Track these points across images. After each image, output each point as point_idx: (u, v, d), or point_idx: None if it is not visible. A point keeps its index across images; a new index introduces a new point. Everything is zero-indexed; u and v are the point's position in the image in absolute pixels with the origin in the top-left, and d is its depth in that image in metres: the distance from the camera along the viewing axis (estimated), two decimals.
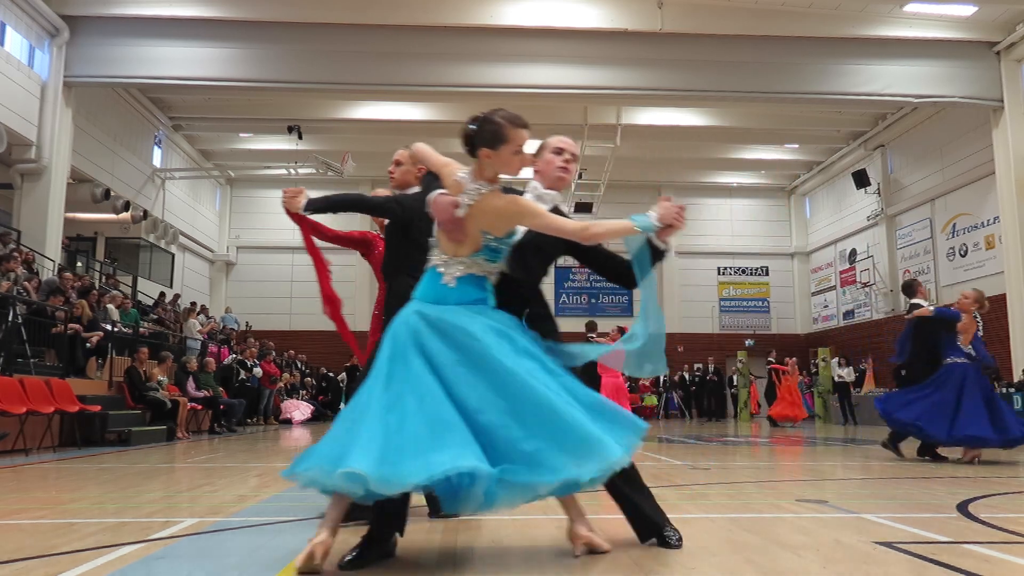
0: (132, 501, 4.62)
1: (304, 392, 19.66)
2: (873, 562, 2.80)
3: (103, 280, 15.75)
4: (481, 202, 2.74)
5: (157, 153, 19.61)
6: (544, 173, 3.11)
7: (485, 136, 2.75)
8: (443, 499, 2.55)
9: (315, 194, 3.45)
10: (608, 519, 3.39)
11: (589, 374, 10.33)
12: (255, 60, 14.72)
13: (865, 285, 21.41)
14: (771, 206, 25.65)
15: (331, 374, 20.55)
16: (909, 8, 14.50)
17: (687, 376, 22.86)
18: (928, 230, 18.91)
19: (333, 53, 14.61)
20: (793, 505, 4.34)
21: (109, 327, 11.98)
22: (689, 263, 24.85)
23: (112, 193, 16.54)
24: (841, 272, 23.02)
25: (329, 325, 3.90)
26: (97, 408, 9.74)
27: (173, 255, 20.38)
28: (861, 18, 14.78)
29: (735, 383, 22.15)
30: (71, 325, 10.81)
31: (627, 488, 3.01)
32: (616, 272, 3.08)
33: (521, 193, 2.98)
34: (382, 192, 3.67)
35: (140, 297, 17.26)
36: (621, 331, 10.86)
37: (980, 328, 7.76)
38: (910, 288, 8.28)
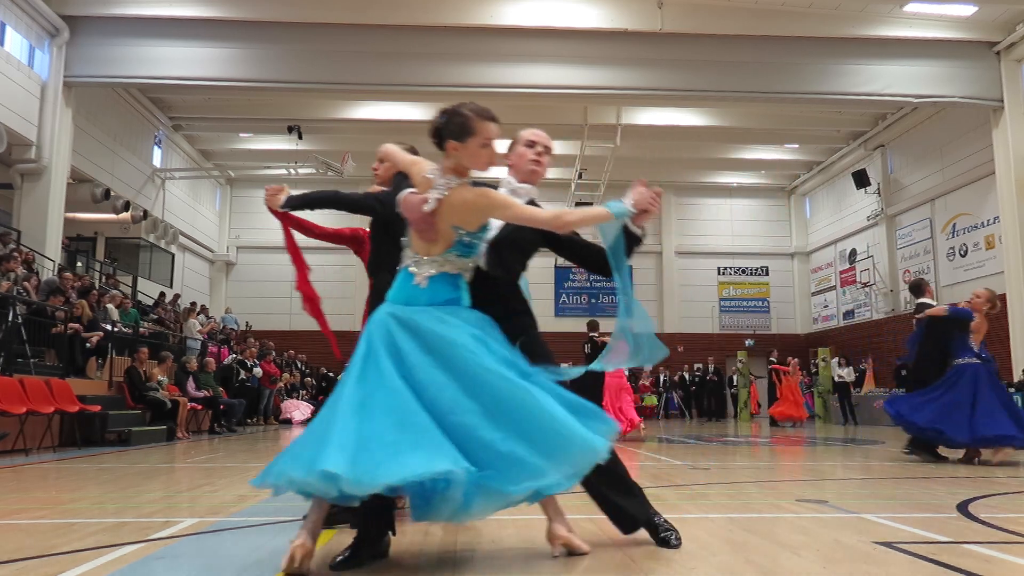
0: (132, 501, 4.62)
1: (304, 392, 19.66)
2: (873, 562, 2.80)
3: (103, 280, 15.75)
4: (450, 196, 2.71)
5: (157, 153, 19.61)
6: (517, 167, 3.08)
7: (452, 129, 2.72)
8: (414, 505, 2.48)
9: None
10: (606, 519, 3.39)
11: (593, 374, 10.32)
12: (255, 60, 14.73)
13: (865, 285, 21.41)
14: (771, 206, 25.65)
15: (331, 374, 20.54)
16: (909, 8, 14.51)
17: (687, 376, 22.87)
18: (928, 230, 18.91)
19: (333, 53, 14.61)
20: (793, 505, 4.34)
21: (109, 327, 11.98)
22: (689, 263, 24.87)
23: (112, 193, 16.55)
24: (841, 272, 23.02)
25: (331, 324, 3.89)
26: (97, 408, 9.73)
27: (173, 255, 20.39)
28: (861, 18, 14.79)
29: (735, 383, 22.16)
30: (71, 325, 10.81)
31: (604, 487, 2.98)
32: (595, 261, 3.01)
33: (495, 188, 2.95)
34: (377, 191, 3.66)
35: (140, 297, 17.26)
36: None
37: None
38: (918, 288, 8.17)
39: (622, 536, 3.08)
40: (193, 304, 18.82)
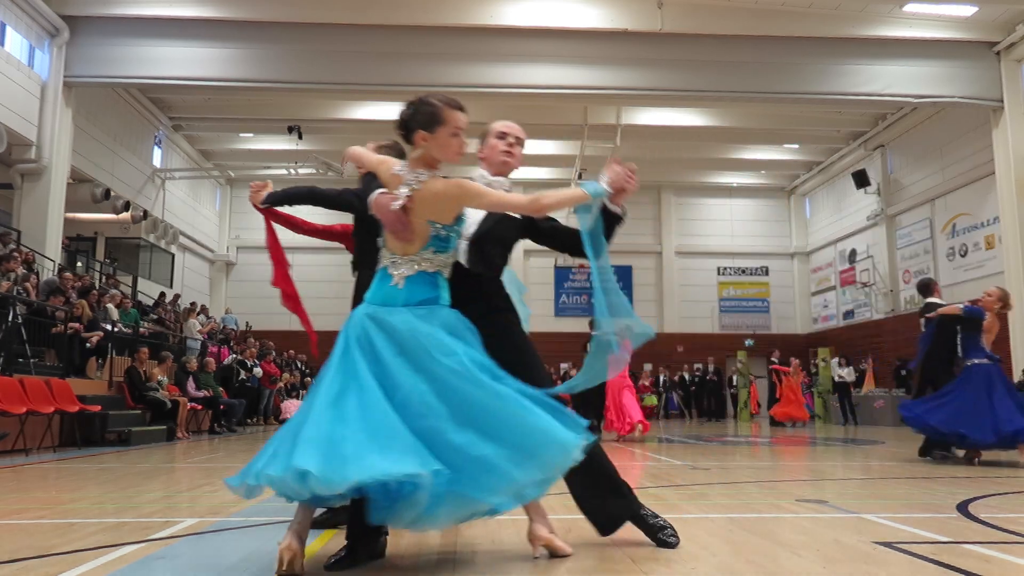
0: (132, 501, 4.62)
1: (304, 392, 19.65)
2: (873, 562, 2.79)
3: (103, 280, 15.75)
4: (422, 190, 2.67)
5: (157, 153, 19.61)
6: (489, 159, 3.06)
7: (421, 119, 2.69)
8: (375, 508, 2.42)
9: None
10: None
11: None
12: (255, 60, 14.73)
13: (865, 285, 21.41)
14: (771, 206, 25.66)
15: None
16: (909, 8, 14.51)
17: (687, 376, 22.86)
18: (928, 230, 18.92)
19: (333, 53, 14.61)
20: (793, 505, 4.34)
21: (109, 327, 11.98)
22: (689, 263, 24.87)
23: (112, 193, 16.55)
24: (841, 272, 23.02)
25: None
26: (97, 408, 9.73)
27: (173, 255, 20.39)
28: (861, 18, 14.79)
29: (735, 383, 22.16)
30: (71, 325, 10.81)
31: (585, 487, 2.95)
32: (575, 244, 2.95)
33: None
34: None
35: (140, 297, 17.26)
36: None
37: None
38: (927, 288, 8.03)
39: (621, 536, 3.07)
40: (193, 304, 18.82)
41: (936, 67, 15.20)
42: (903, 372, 18.38)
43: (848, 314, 22.65)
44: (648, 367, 21.90)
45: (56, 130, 14.05)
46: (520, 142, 3.10)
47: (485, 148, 3.08)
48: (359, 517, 2.67)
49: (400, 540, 3.13)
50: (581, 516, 3.05)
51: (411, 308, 2.65)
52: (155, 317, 15.89)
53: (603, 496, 2.97)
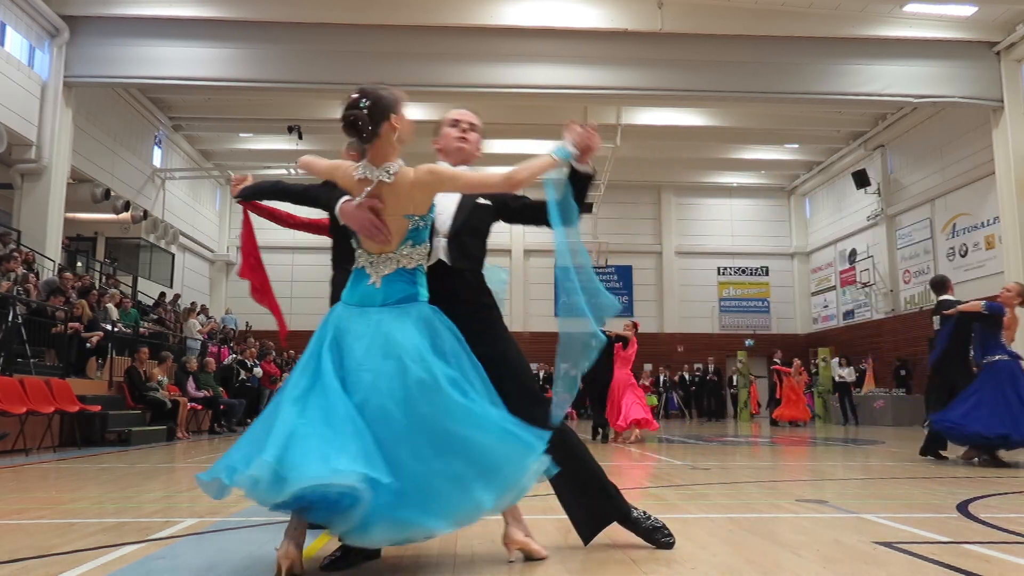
0: (132, 501, 4.62)
1: None
2: (873, 562, 2.80)
3: (103, 280, 15.75)
4: (395, 184, 2.61)
5: (157, 153, 19.61)
6: (445, 149, 3.04)
7: (385, 105, 2.60)
8: (315, 508, 2.38)
9: None
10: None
11: (602, 371, 10.29)
12: (255, 60, 14.73)
13: (865, 285, 21.41)
14: (771, 206, 25.66)
15: None
16: (909, 8, 14.51)
17: (687, 376, 22.86)
18: (928, 230, 18.92)
19: (333, 53, 14.61)
20: (793, 505, 4.34)
21: (109, 327, 11.98)
22: (689, 263, 24.87)
23: (112, 193, 16.55)
24: (841, 272, 23.02)
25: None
26: (97, 408, 9.73)
27: (173, 255, 20.39)
28: (861, 18, 14.79)
29: (735, 383, 22.16)
30: (71, 325, 10.81)
31: (570, 490, 2.94)
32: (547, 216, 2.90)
33: None
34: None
35: (140, 297, 17.26)
36: (635, 325, 10.83)
37: None
38: (941, 285, 7.93)
39: (622, 537, 3.06)
40: (193, 304, 18.82)
41: (936, 67, 15.20)
42: (903, 372, 18.39)
43: (848, 314, 22.65)
44: (648, 367, 21.90)
45: (56, 130, 14.05)
46: (473, 127, 3.07)
47: (440, 139, 3.07)
48: None
49: None
50: None
51: (388, 307, 2.60)
52: (155, 317, 15.89)
53: (590, 497, 2.94)
